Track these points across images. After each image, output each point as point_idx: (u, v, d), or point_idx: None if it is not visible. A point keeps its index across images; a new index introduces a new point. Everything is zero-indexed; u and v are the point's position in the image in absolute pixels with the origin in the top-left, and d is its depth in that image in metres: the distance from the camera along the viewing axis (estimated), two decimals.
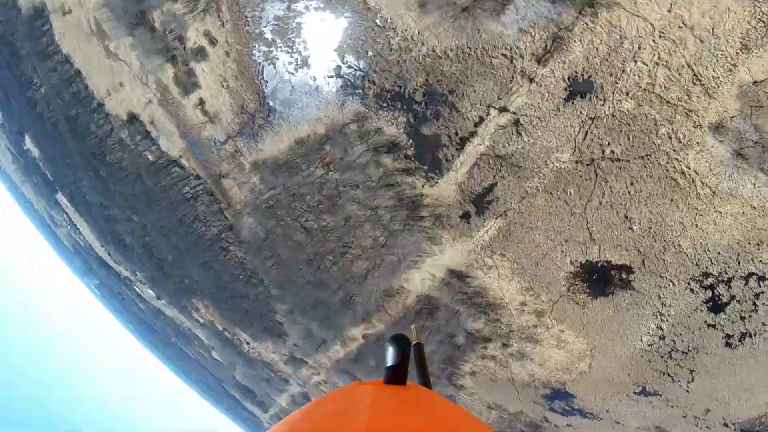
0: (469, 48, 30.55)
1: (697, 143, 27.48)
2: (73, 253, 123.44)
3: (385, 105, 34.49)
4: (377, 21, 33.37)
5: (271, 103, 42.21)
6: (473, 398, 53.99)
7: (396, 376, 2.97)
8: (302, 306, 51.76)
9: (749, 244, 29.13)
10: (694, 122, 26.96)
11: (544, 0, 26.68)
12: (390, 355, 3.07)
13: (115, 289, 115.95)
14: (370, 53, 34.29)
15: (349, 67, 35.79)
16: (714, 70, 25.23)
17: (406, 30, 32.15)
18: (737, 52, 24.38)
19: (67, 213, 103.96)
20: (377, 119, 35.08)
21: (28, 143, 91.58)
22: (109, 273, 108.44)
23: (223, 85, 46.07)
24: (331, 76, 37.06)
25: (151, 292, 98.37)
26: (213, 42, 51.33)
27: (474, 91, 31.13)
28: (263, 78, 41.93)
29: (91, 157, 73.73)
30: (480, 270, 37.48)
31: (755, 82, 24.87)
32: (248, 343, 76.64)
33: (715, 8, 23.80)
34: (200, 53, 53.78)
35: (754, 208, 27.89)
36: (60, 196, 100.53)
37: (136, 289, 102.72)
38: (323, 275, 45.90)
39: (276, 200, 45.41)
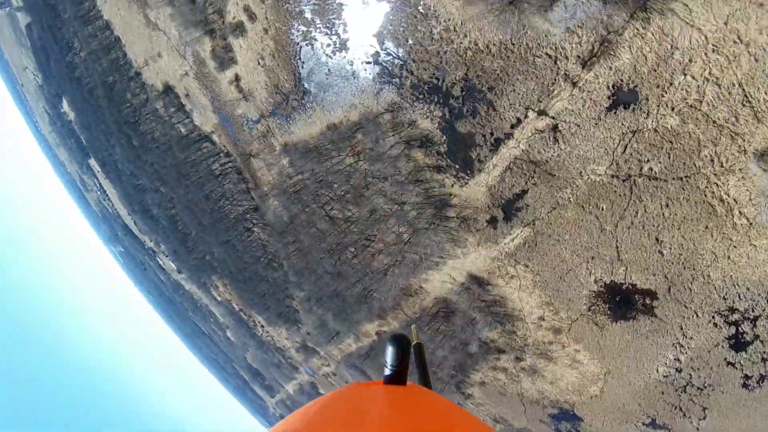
0: (513, 44, 29.77)
1: (740, 169, 26.03)
2: (101, 219, 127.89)
3: (421, 97, 34.11)
4: (420, 8, 32.95)
5: (306, 85, 42.39)
6: (479, 409, 53.46)
7: (396, 376, 2.97)
8: (319, 295, 52.19)
9: None
10: (739, 146, 25.46)
11: (595, 0, 25.82)
12: (390, 356, 3.06)
13: (138, 258, 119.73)
14: (410, 41, 33.91)
15: (388, 54, 35.53)
16: (766, 93, 23.77)
17: (448, 20, 31.61)
18: None
19: (98, 178, 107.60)
20: (412, 111, 34.75)
21: (66, 106, 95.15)
22: (133, 242, 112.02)
23: (259, 63, 46.49)
24: (369, 63, 36.88)
25: (172, 264, 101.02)
26: (252, 17, 51.66)
27: (514, 90, 30.38)
28: (300, 59, 42.11)
29: (125, 125, 76.00)
30: (501, 278, 36.85)
31: None
32: (262, 327, 77.95)
33: None
34: (239, 28, 54.24)
35: None
36: (92, 162, 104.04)
37: (159, 260, 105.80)
38: (343, 267, 46.08)
39: (303, 185, 45.75)
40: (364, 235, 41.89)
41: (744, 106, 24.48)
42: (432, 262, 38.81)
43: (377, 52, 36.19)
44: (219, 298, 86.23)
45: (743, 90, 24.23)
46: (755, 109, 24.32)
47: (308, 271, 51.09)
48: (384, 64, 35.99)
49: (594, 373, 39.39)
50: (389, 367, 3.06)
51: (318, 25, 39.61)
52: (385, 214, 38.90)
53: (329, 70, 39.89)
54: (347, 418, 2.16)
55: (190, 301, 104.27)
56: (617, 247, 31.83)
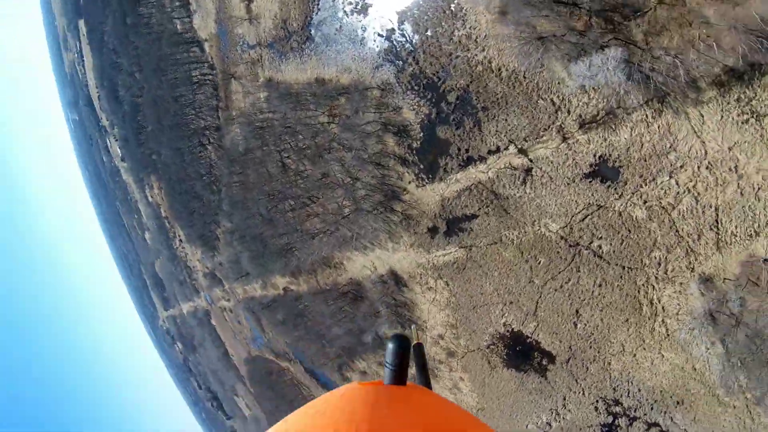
0: (524, 78, 27.34)
1: (681, 284, 25.20)
2: (68, 81, 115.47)
3: (416, 88, 30.99)
4: (452, 6, 29.85)
5: (312, 32, 38.13)
6: None
7: (396, 376, 2.65)
8: (244, 233, 47.92)
9: (671, 398, 27.23)
10: (690, 263, 24.57)
11: (621, 72, 23.56)
12: (390, 355, 2.68)
13: (89, 132, 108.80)
14: (428, 32, 30.72)
15: (402, 35, 32.13)
16: (736, 227, 22.85)
17: (474, 28, 28.71)
18: (767, 224, 22.05)
19: (80, 41, 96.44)
20: (402, 98, 31.56)
21: None
22: (90, 115, 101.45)
23: None
24: (381, 36, 33.32)
25: (119, 150, 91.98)
26: None
27: (506, 120, 27.97)
28: (318, 5, 37.85)
29: (126, 0, 67.80)
30: (419, 286, 34.60)
31: (766, 260, 22.62)
32: (181, 241, 71.98)
33: None
34: None
35: (695, 369, 25.92)
36: (81, 23, 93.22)
37: (108, 141, 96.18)
38: (277, 215, 42.21)
39: (270, 124, 41.37)
40: (308, 194, 38.28)
41: (711, 229, 23.41)
42: (361, 244, 35.90)
43: (393, 30, 32.69)
44: (150, 199, 79.15)
45: (717, 215, 23.16)
46: (720, 236, 23.29)
47: (243, 206, 46.73)
48: (395, 43, 32.54)
49: (469, 405, 38.09)
50: (389, 366, 2.67)
51: None
52: (336, 182, 35.54)
53: (341, 27, 35.93)
54: (347, 419, 1.96)
55: (122, 191, 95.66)
56: (537, 303, 30.33)
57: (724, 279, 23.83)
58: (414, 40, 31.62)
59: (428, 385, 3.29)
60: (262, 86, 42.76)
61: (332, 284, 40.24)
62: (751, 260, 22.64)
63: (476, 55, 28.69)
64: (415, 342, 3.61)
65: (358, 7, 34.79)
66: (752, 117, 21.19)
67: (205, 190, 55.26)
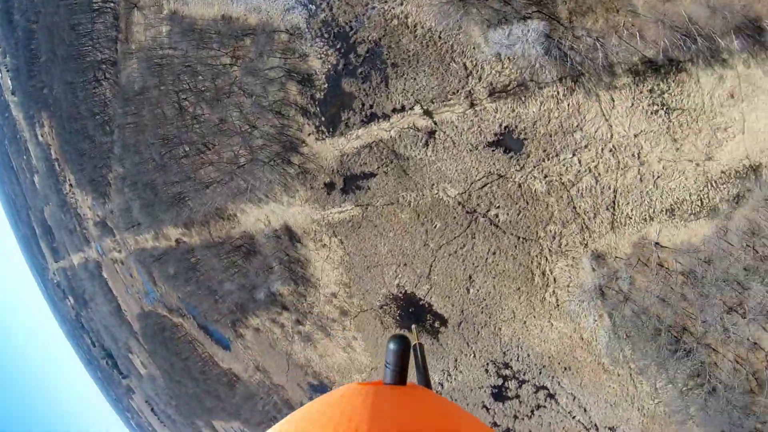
0: (440, 37, 24.93)
1: (573, 258, 24.78)
2: None
3: (326, 36, 27.43)
4: None
5: None
6: (246, 352, 47.64)
7: (396, 376, 2.52)
8: (135, 179, 41.47)
9: (558, 364, 27.10)
10: (583, 239, 24.13)
11: (540, 46, 21.51)
12: (390, 356, 2.56)
13: None
14: None
15: None
16: (632, 210, 22.58)
17: None
18: (662, 211, 21.90)
19: None
20: (309, 45, 27.85)
21: None
22: None
23: None
24: None
25: (9, 82, 77.32)
26: None
27: (415, 79, 25.51)
28: None
29: None
30: (313, 242, 31.68)
31: (657, 243, 22.71)
32: (71, 186, 61.98)
33: (673, 163, 21.20)
34: None
35: (582, 339, 25.83)
36: None
37: None
38: (170, 161, 36.65)
39: (170, 62, 35.38)
40: (204, 140, 33.34)
41: (608, 210, 22.89)
42: (256, 196, 32.00)
43: None
44: (40, 138, 67.32)
45: (615, 197, 22.65)
46: (615, 217, 22.87)
47: (135, 150, 40.25)
48: None
49: (362, 364, 36.28)
50: (389, 366, 2.54)
51: None
52: (234, 129, 31.09)
53: None
54: (347, 419, 1.86)
55: (11, 128, 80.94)
56: (431, 266, 28.74)
57: (616, 257, 23.72)
58: None
59: (428, 385, 3.10)
60: (165, 19, 36.43)
61: (225, 237, 35.91)
62: (643, 242, 22.52)
63: (394, 8, 25.76)
64: (415, 342, 3.39)
65: None
66: (662, 109, 20.78)
67: (97, 130, 47.27)
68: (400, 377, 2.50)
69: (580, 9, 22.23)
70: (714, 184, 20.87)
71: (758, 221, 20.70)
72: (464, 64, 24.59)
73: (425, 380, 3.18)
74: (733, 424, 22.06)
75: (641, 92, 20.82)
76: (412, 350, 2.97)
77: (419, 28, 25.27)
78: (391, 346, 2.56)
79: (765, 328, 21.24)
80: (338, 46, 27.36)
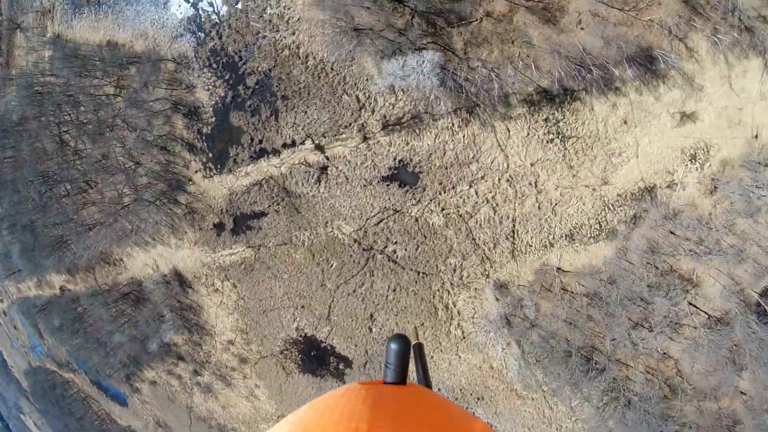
0: (332, 69, 24.01)
1: (476, 289, 24.05)
2: None
3: (214, 66, 25.86)
4: None
5: None
6: (144, 407, 42.84)
7: (396, 376, 2.52)
8: (14, 220, 36.88)
9: (471, 395, 25.95)
10: (485, 270, 23.47)
11: (435, 77, 20.93)
12: (390, 355, 2.54)
13: None
14: (239, 5, 26.09)
15: (211, 4, 26.94)
16: (532, 238, 22.37)
17: (289, 8, 24.81)
18: (561, 236, 21.84)
19: None
20: (197, 76, 26.14)
21: None
22: None
23: None
24: (188, 1, 27.68)
25: None
26: None
27: (306, 112, 24.34)
28: None
29: None
30: (205, 287, 28.93)
31: (559, 269, 22.55)
32: None
33: (570, 189, 21.21)
34: None
35: (492, 368, 24.87)
36: None
37: None
38: (51, 201, 32.89)
39: (51, 90, 32.32)
40: (85, 177, 30.28)
41: (507, 239, 22.44)
42: (142, 239, 29.07)
43: None
44: None
45: (514, 226, 22.28)
46: (515, 246, 22.46)
47: (13, 188, 36.08)
48: (200, 11, 27.12)
49: (268, 412, 33.13)
50: (390, 366, 2.53)
51: None
52: (117, 166, 28.37)
53: None
54: (347, 419, 1.84)
55: None
56: (330, 307, 26.87)
57: (519, 285, 23.34)
58: (222, 12, 26.61)
59: (429, 384, 3.09)
60: (48, 43, 33.50)
61: (112, 284, 32.33)
62: (545, 268, 22.39)
63: (285, 37, 24.76)
64: (415, 342, 3.28)
65: None
66: (557, 138, 21.00)
67: None
68: (400, 377, 2.48)
69: (476, 40, 21.94)
70: (611, 207, 21.28)
71: (656, 239, 21.38)
72: (357, 97, 23.84)
73: (425, 380, 3.15)
74: None
75: (536, 122, 20.97)
76: (411, 350, 2.91)
77: (311, 58, 24.42)
78: (392, 345, 2.53)
79: (671, 337, 21.71)
80: (227, 77, 25.80)
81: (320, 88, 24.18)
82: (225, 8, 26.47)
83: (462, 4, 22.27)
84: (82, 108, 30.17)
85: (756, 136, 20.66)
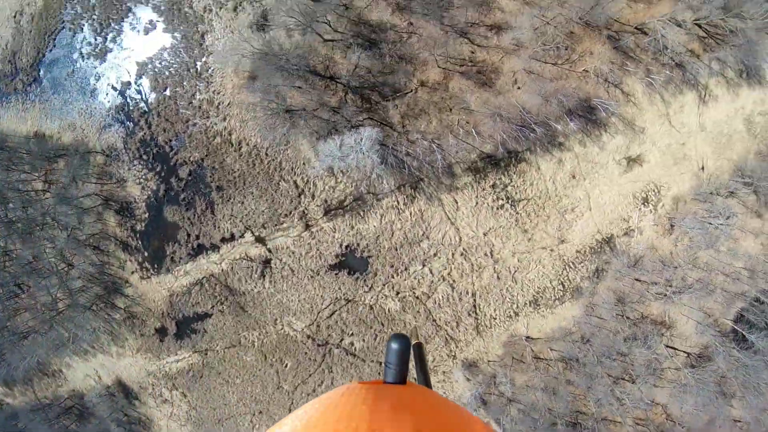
0: (267, 154, 22.45)
1: (444, 372, 22.44)
2: None
3: (144, 158, 24.07)
4: (198, 64, 24.40)
5: (41, 73, 29.19)
6: None
7: (396, 375, 2.52)
8: None
9: None
10: (451, 351, 21.94)
11: (375, 154, 19.69)
12: (391, 355, 2.53)
13: None
14: (167, 91, 24.60)
15: (138, 92, 25.40)
16: (495, 310, 21.17)
17: (218, 93, 23.43)
18: (526, 303, 20.89)
19: None
20: (127, 169, 24.30)
21: None
22: None
23: (15, 17, 32.25)
24: (115, 89, 26.10)
25: None
26: None
27: (243, 203, 22.48)
28: (54, 40, 29.51)
29: None
30: (153, 399, 26.13)
31: (528, 337, 21.42)
32: None
33: (528, 254, 20.49)
34: None
35: None
36: None
37: None
38: None
39: None
40: (16, 281, 27.85)
41: (470, 315, 21.27)
42: (81, 347, 26.44)
43: (129, 83, 25.84)
44: None
45: (474, 301, 21.11)
46: (479, 321, 21.27)
47: None
48: (128, 99, 25.59)
49: None
50: (390, 366, 2.51)
51: (93, 16, 28.23)
52: (49, 268, 26.13)
53: (74, 71, 28.01)
54: (347, 418, 1.87)
55: None
56: (290, 410, 24.63)
57: (489, 361, 22.13)
58: (150, 99, 25.07)
59: (428, 384, 3.05)
60: None
61: (52, 397, 29.32)
62: (514, 339, 21.50)
63: (216, 124, 23.25)
64: (415, 341, 3.14)
65: (97, 50, 27.43)
66: (507, 203, 20.66)
67: None
68: (400, 376, 2.48)
69: (413, 112, 21.04)
70: (572, 266, 20.72)
71: (622, 289, 21.04)
72: (295, 182, 22.09)
73: (425, 380, 3.09)
74: None
75: (484, 189, 20.43)
76: (412, 349, 2.85)
77: (244, 145, 22.70)
78: (392, 345, 2.49)
79: (656, 384, 21.11)
80: (158, 169, 23.84)
81: (256, 176, 22.63)
82: (153, 95, 25.01)
83: (395, 76, 21.41)
84: (10, 205, 28.06)
85: (702, 168, 21.33)
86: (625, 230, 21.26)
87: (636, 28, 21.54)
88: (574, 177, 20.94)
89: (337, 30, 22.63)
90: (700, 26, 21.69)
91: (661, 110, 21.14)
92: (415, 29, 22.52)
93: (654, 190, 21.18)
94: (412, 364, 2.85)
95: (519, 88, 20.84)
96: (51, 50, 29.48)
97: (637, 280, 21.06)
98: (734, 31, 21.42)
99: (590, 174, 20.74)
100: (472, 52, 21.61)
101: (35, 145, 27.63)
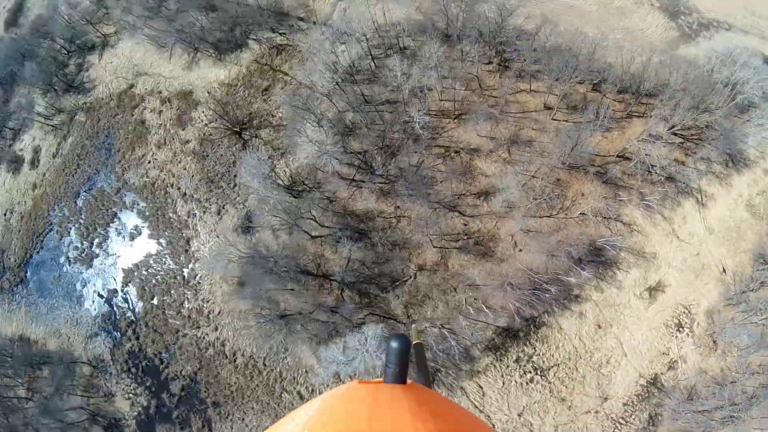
0: (265, 365, 23.19)
1: None
2: None
3: (133, 371, 24.65)
4: (185, 271, 25.86)
5: (28, 274, 30.13)
6: None
7: (397, 375, 2.49)
8: None
9: None
10: None
11: (381, 353, 19.84)
12: (391, 355, 2.50)
13: None
14: (154, 300, 25.77)
15: (125, 300, 26.50)
16: None
17: (208, 301, 24.66)
18: None
19: None
20: (115, 382, 24.76)
21: None
22: None
23: (5, 215, 33.55)
24: (102, 296, 27.14)
25: None
26: (34, 163, 39.35)
27: (243, 419, 22.70)
28: (42, 241, 30.79)
29: None
30: None
31: None
32: None
33: (571, 423, 19.69)
34: (16, 163, 40.78)
35: None
36: None
37: None
38: None
39: None
40: None
41: None
42: None
43: (115, 291, 26.93)
44: None
45: None
46: None
47: None
48: (115, 308, 26.59)
49: None
50: (390, 365, 2.47)
51: (80, 220, 29.80)
52: None
53: (60, 275, 29.06)
54: (348, 417, 1.91)
55: None
56: None
57: None
58: (137, 308, 26.09)
59: (428, 384, 3.12)
60: None
61: None
62: None
63: (208, 334, 24.24)
64: (415, 341, 3.34)
65: (83, 254, 28.74)
66: (536, 374, 19.91)
67: None
68: (400, 376, 2.48)
69: (416, 299, 21.59)
70: (623, 422, 19.75)
71: (683, 428, 19.79)
72: (299, 393, 22.74)
73: (425, 379, 3.18)
74: None
75: (508, 366, 20.05)
76: (412, 349, 2.94)
77: (239, 356, 23.61)
78: (393, 345, 2.49)
79: None
80: (148, 384, 24.35)
81: (255, 389, 23.21)
82: (140, 304, 26.10)
83: (391, 264, 22.45)
84: None
85: (724, 270, 21.56)
86: (668, 364, 20.62)
87: (618, 156, 23.18)
88: (599, 327, 20.78)
89: (323, 225, 24.32)
90: (675, 134, 23.54)
91: (665, 229, 21.46)
92: (403, 212, 24.10)
93: (684, 312, 20.82)
94: (412, 364, 2.95)
95: (521, 250, 21.53)
96: (38, 252, 30.69)
97: (697, 412, 19.95)
98: (708, 125, 23.28)
99: (615, 318, 20.46)
100: (465, 224, 22.76)
101: (19, 349, 27.87)
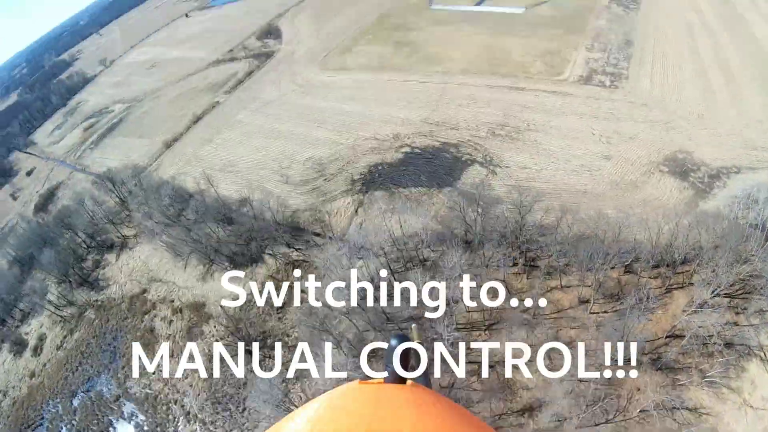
0: None
1: None
2: None
3: None
4: None
5: None
6: None
7: (397, 375, 2.67)
8: None
9: None
10: None
11: None
12: (391, 355, 2.70)
13: None
14: None
15: None
16: None
17: None
18: None
19: None
20: None
21: None
22: None
23: None
24: None
25: None
26: (37, 351, 38.63)
27: None
28: None
29: None
30: None
31: None
32: None
33: None
34: (19, 346, 40.17)
35: None
36: None
37: None
38: None
39: None
40: None
41: None
42: None
43: None
44: None
45: None
46: None
47: None
48: None
49: None
50: (390, 366, 2.68)
51: (73, 421, 27.37)
52: None
53: None
54: (348, 416, 1.94)
55: None
56: None
57: None
58: None
59: (428, 383, 3.19)
60: None
61: None
62: None
63: None
64: (415, 341, 3.33)
65: None
66: None
67: None
68: (401, 376, 2.55)
69: None
70: None
71: None
72: None
73: (425, 379, 3.18)
74: None
75: None
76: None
77: None
78: (393, 344, 2.63)
79: None
80: None
81: None
82: None
83: None
84: None
85: None
86: None
87: (668, 336, 20.83)
88: None
89: None
90: (719, 295, 21.18)
91: (736, 401, 19.18)
92: None
93: None
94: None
95: None
96: None
97: None
98: (751, 275, 21.07)
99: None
100: None
101: None
